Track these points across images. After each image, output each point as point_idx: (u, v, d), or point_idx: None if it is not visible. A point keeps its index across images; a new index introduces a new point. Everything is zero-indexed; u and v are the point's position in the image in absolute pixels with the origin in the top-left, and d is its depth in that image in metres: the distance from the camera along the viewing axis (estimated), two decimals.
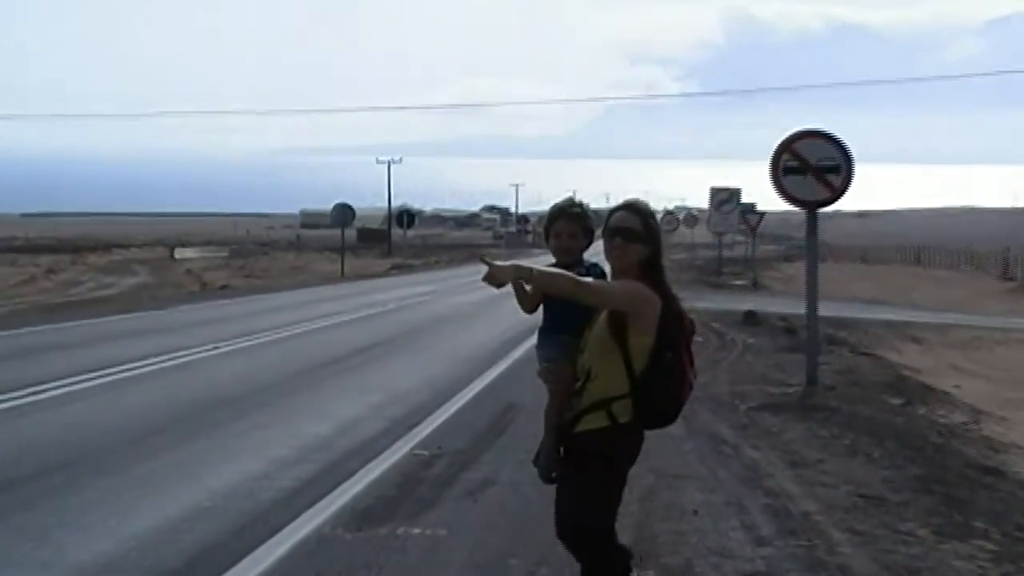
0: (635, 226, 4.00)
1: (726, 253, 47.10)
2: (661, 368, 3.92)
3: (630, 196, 4.31)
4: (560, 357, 4.09)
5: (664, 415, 4.03)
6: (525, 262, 3.95)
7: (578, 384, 4.01)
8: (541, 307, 4.22)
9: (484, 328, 17.78)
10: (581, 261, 4.20)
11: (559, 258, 4.20)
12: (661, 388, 3.94)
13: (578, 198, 4.38)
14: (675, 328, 3.98)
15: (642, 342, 3.91)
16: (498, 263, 3.82)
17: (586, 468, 4.01)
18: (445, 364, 13.71)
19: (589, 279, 3.98)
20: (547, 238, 4.28)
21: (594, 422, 3.95)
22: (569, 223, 4.20)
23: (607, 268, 4.15)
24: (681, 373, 3.98)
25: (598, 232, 4.05)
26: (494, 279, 3.79)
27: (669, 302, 3.99)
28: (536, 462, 4.29)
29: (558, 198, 4.42)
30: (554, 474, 4.19)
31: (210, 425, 9.37)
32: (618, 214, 4.06)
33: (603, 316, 3.98)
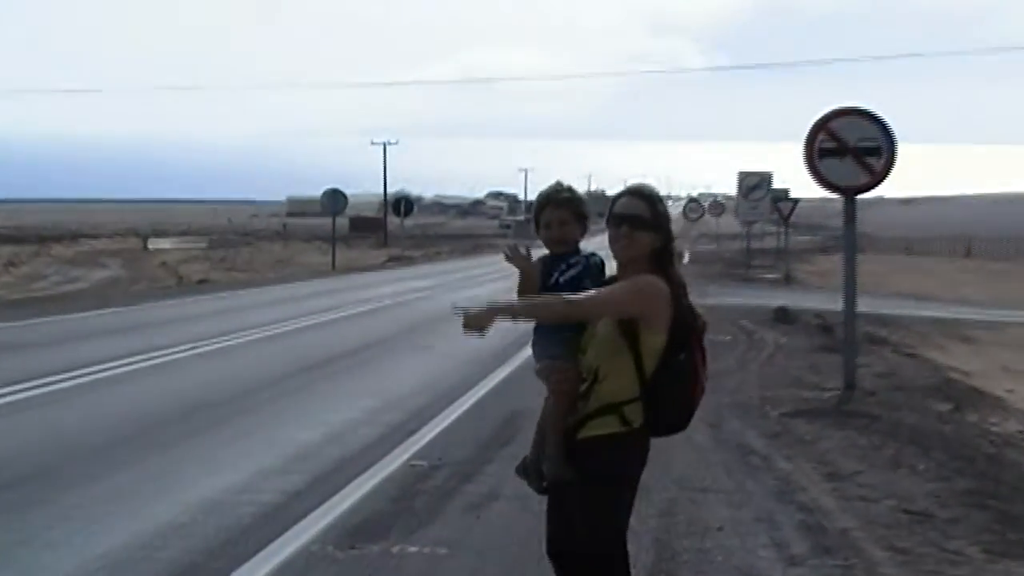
0: (642, 212, 3.98)
1: (755, 244, 47.03)
2: (673, 370, 3.91)
3: (647, 181, 4.30)
4: (564, 354, 4.05)
5: (676, 421, 4.03)
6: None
7: (584, 385, 3.97)
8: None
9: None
10: (577, 250, 4.18)
11: (552, 249, 4.18)
12: (674, 392, 3.93)
13: (566, 182, 4.33)
14: (687, 325, 3.96)
15: (654, 341, 3.89)
16: (473, 310, 3.84)
17: (592, 480, 3.94)
18: (446, 365, 13.74)
19: (588, 293, 3.93)
20: (537, 229, 4.25)
21: (603, 427, 3.92)
22: (558, 210, 4.17)
23: (612, 262, 4.14)
24: (694, 375, 3.97)
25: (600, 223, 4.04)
26: (473, 328, 3.84)
27: (681, 296, 3.96)
28: (524, 472, 4.27)
29: (570, 184, 4.37)
30: (545, 483, 4.15)
31: (187, 433, 9.40)
32: (623, 200, 4.03)
33: None
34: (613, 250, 4.05)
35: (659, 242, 3.99)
